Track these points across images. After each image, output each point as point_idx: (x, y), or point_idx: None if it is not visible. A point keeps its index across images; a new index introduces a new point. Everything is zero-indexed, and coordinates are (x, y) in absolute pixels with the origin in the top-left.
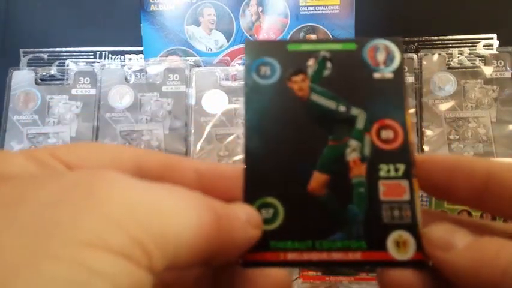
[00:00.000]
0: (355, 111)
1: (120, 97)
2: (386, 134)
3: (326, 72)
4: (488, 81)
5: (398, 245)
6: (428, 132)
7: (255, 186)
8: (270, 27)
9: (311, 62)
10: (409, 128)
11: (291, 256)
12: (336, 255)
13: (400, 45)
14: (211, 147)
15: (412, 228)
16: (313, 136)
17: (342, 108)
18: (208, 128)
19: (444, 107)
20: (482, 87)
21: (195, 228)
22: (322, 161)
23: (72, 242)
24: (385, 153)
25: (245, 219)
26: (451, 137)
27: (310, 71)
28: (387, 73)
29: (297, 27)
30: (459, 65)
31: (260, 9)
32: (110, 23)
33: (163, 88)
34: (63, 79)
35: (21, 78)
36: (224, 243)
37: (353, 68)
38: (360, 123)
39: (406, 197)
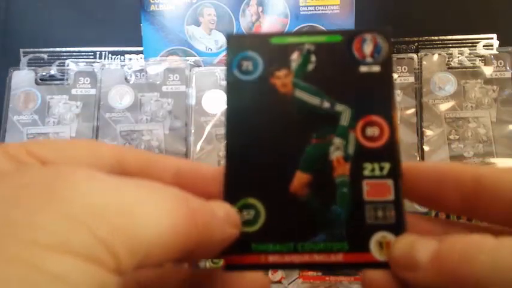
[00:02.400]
0: (339, 107)
1: (120, 97)
2: (372, 131)
3: (310, 67)
4: (488, 81)
5: (382, 246)
6: (428, 132)
7: (236, 186)
8: (270, 27)
9: (295, 56)
10: (396, 125)
11: (273, 258)
12: (318, 257)
13: (388, 36)
14: (211, 147)
15: (396, 228)
16: (297, 134)
17: (326, 105)
18: (208, 128)
19: (444, 107)
20: (482, 87)
21: (168, 226)
22: (305, 160)
23: (28, 244)
24: (370, 151)
25: (223, 217)
26: (451, 137)
27: (294, 65)
28: (374, 66)
29: (297, 27)
30: (459, 65)
31: (260, 9)
32: (110, 23)
33: (164, 88)
34: (63, 79)
35: (21, 78)
36: (200, 241)
37: (338, 62)
38: (344, 120)
39: (391, 197)
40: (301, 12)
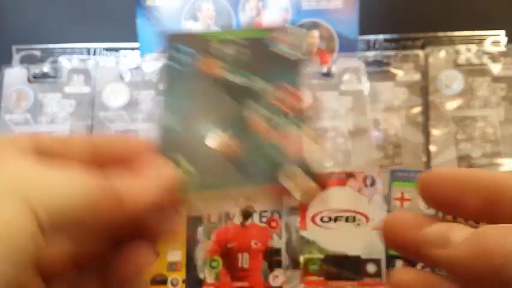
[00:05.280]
0: (261, 83)
1: (115, 95)
2: (289, 99)
3: (240, 56)
4: (496, 79)
5: (290, 176)
6: (434, 132)
7: (165, 151)
8: (271, 23)
9: (228, 49)
10: (302, 93)
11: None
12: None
13: (304, 34)
14: None
15: (300, 163)
16: (225, 106)
17: (252, 83)
18: None
19: (451, 105)
20: (490, 85)
21: (78, 196)
22: (232, 126)
23: None
24: (288, 115)
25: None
26: (458, 136)
27: (224, 55)
28: (294, 53)
29: (299, 23)
30: (466, 63)
31: (260, 4)
32: (105, 19)
33: (160, 86)
34: (56, 77)
35: (14, 76)
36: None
37: (263, 51)
38: (263, 92)
39: (301, 146)
40: (303, 7)
